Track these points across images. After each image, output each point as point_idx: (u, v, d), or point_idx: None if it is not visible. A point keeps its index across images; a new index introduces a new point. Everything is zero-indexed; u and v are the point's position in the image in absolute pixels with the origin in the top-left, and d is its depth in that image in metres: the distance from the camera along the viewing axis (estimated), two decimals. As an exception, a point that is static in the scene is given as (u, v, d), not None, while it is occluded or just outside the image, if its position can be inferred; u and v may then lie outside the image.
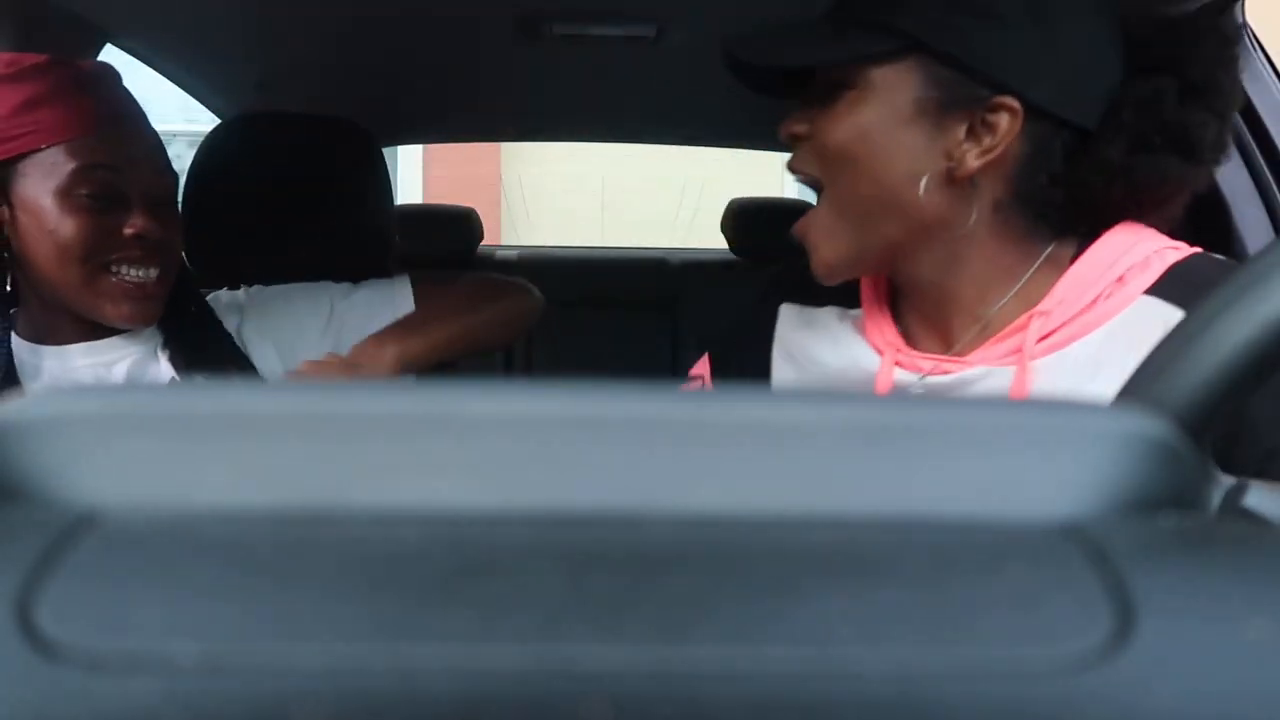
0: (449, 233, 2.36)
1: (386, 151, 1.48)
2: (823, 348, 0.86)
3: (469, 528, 0.24)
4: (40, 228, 0.94)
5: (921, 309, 0.82)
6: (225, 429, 0.25)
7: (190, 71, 1.64)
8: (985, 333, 0.78)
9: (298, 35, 1.52)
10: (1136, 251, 0.75)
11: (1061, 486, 0.26)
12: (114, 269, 0.96)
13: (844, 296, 0.86)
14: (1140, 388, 0.31)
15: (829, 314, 0.88)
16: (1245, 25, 1.14)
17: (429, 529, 0.24)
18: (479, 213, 2.46)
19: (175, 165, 1.03)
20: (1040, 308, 0.75)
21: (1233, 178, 1.14)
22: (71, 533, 0.23)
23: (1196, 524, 0.26)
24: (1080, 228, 0.77)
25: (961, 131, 0.73)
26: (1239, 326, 0.30)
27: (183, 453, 0.25)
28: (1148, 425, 0.27)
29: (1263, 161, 1.16)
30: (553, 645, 0.21)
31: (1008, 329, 0.77)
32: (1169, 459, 0.26)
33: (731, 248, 2.43)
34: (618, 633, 0.21)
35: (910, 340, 0.82)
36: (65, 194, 0.93)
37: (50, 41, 1.17)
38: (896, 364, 0.81)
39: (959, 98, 0.72)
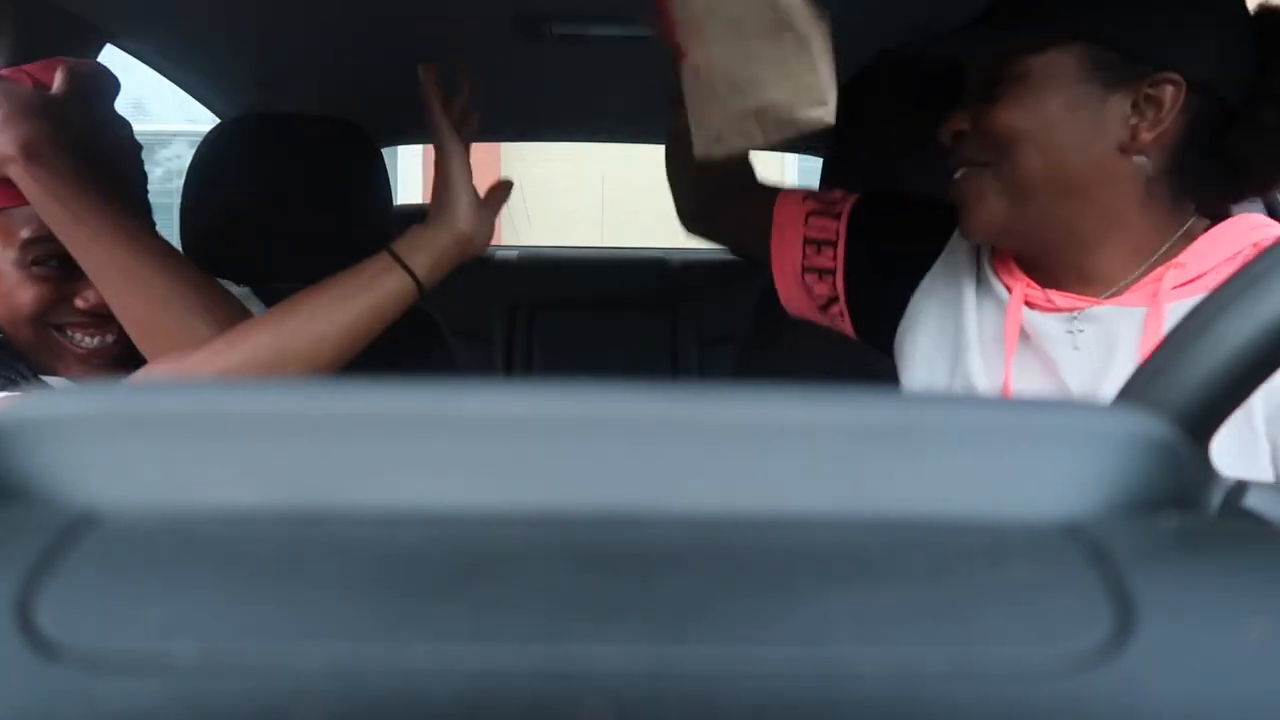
0: None
1: (386, 151, 1.47)
2: (969, 272, 0.91)
3: (469, 528, 0.24)
4: None
5: (1054, 274, 0.85)
6: (225, 429, 0.25)
7: (190, 71, 1.64)
8: (1114, 294, 0.82)
9: (298, 35, 1.51)
10: (1269, 231, 0.79)
11: (1061, 486, 0.26)
12: (67, 332, 0.93)
13: None
14: (1140, 388, 0.31)
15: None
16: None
17: (429, 529, 0.24)
18: (479, 213, 2.45)
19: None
20: (1176, 260, 0.79)
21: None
22: (71, 533, 0.23)
23: (1196, 524, 0.26)
24: (1223, 202, 0.81)
25: (1128, 107, 0.77)
26: (1239, 326, 0.30)
27: (182, 453, 0.25)
28: (1148, 425, 0.27)
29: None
30: (553, 645, 0.21)
31: (1140, 283, 0.80)
32: (1169, 459, 0.26)
33: (731, 248, 2.42)
34: (618, 633, 0.21)
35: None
36: (18, 260, 0.90)
37: (50, 42, 1.17)
38: (1027, 301, 0.85)
39: (1123, 76, 0.76)
